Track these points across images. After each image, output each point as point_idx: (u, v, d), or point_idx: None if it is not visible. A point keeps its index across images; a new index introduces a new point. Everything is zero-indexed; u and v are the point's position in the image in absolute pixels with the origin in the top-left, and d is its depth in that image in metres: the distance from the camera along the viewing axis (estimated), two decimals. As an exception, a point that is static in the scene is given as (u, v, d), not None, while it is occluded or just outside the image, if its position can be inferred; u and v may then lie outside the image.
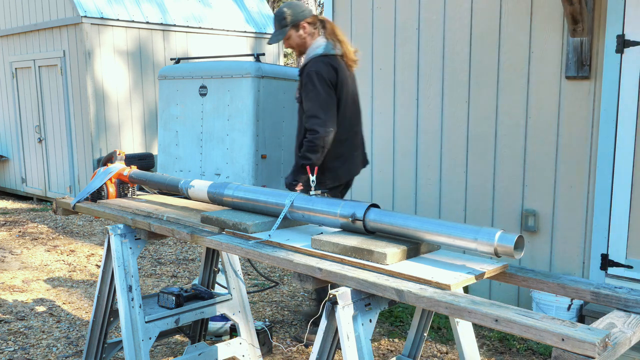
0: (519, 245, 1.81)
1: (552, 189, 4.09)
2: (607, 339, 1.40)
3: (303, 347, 3.84)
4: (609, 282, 3.73)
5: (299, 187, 3.22)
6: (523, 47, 4.12)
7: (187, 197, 2.91)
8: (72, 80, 8.64)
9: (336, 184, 3.49)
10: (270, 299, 4.82)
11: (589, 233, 3.95)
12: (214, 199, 2.69)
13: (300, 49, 3.45)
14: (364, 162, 3.75)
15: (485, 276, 1.90)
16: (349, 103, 3.49)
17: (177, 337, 3.97)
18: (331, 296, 1.85)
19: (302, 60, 3.43)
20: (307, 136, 3.30)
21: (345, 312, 1.85)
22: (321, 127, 3.23)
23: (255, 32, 10.43)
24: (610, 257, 3.85)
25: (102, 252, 5.54)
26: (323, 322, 1.95)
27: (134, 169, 3.27)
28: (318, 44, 3.38)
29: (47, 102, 9.21)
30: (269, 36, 10.69)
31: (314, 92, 3.24)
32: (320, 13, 19.11)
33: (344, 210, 2.16)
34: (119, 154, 3.36)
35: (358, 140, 3.64)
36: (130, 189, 3.33)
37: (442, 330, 4.08)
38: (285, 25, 3.41)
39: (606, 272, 3.87)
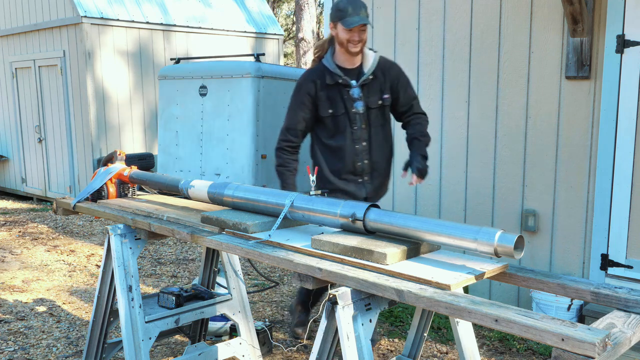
0: (519, 245, 1.81)
1: (552, 189, 4.09)
2: (607, 339, 1.40)
3: (303, 347, 3.84)
4: (609, 282, 3.73)
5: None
6: (523, 47, 4.12)
7: (187, 197, 2.91)
8: (72, 81, 8.65)
9: None
10: (270, 299, 4.82)
11: (589, 233, 3.95)
12: (214, 199, 2.69)
13: (362, 47, 3.15)
14: None
15: (485, 276, 1.90)
16: None
17: (177, 337, 3.97)
18: (331, 296, 1.85)
19: (358, 59, 3.16)
20: (424, 117, 3.36)
21: (345, 312, 1.85)
22: None
23: (256, 32, 10.43)
24: (610, 257, 3.85)
25: (102, 252, 5.54)
26: (323, 322, 1.95)
27: (134, 169, 3.27)
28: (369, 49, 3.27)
29: (47, 102, 9.21)
30: (269, 36, 10.68)
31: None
32: (320, 13, 19.11)
33: (344, 210, 2.16)
34: (120, 154, 3.36)
35: None
36: (130, 189, 3.33)
37: (442, 330, 4.08)
38: (367, 16, 3.09)
39: (606, 272, 3.87)
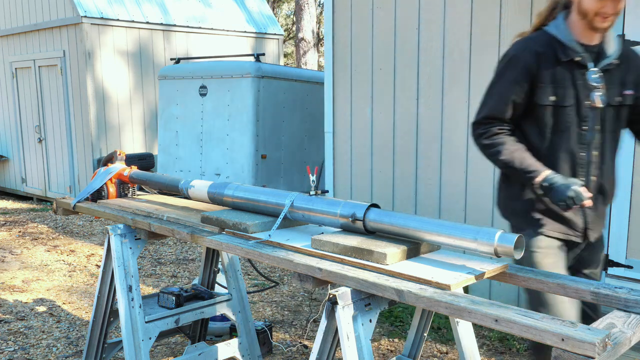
0: (519, 245, 1.81)
1: (552, 189, 4.08)
2: (607, 339, 1.40)
3: (303, 347, 3.84)
4: (609, 282, 3.73)
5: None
6: (523, 47, 4.12)
7: (187, 197, 2.91)
8: (72, 80, 8.65)
9: None
10: (270, 299, 4.82)
11: (589, 233, 3.94)
12: (214, 199, 2.69)
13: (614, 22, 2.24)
14: None
15: (485, 276, 1.90)
16: None
17: (177, 337, 3.97)
18: (331, 296, 1.85)
19: (598, 35, 2.26)
20: None
21: (345, 312, 1.85)
22: None
23: (256, 32, 10.43)
24: (610, 257, 3.85)
25: (102, 252, 5.54)
26: (323, 322, 1.95)
27: (134, 169, 3.27)
28: None
29: (47, 102, 9.21)
30: (269, 36, 10.68)
31: None
32: (320, 13, 19.11)
33: (344, 210, 2.16)
34: (120, 154, 3.36)
35: None
36: (130, 189, 3.33)
37: (442, 330, 4.08)
38: None
39: (606, 272, 3.87)
